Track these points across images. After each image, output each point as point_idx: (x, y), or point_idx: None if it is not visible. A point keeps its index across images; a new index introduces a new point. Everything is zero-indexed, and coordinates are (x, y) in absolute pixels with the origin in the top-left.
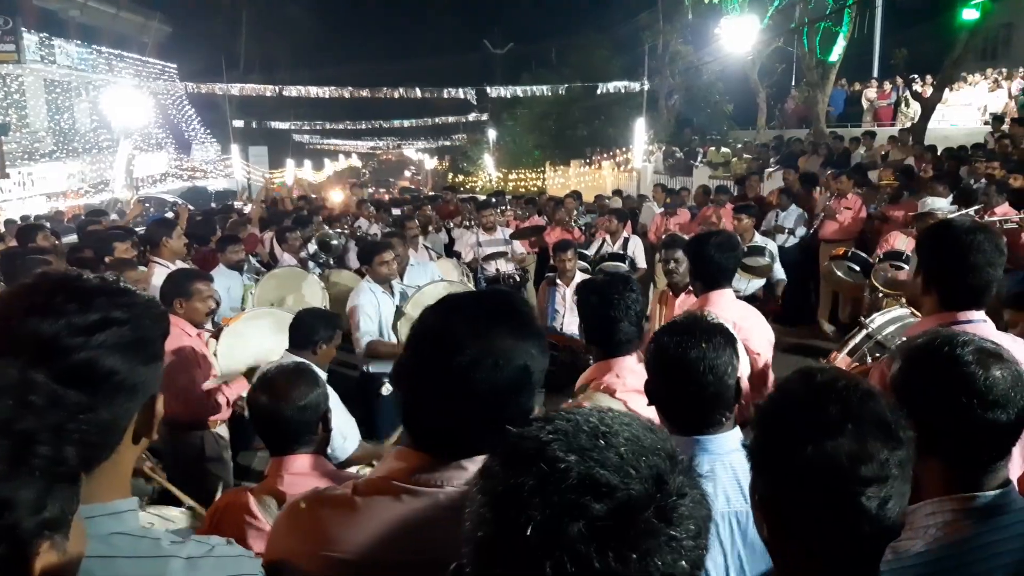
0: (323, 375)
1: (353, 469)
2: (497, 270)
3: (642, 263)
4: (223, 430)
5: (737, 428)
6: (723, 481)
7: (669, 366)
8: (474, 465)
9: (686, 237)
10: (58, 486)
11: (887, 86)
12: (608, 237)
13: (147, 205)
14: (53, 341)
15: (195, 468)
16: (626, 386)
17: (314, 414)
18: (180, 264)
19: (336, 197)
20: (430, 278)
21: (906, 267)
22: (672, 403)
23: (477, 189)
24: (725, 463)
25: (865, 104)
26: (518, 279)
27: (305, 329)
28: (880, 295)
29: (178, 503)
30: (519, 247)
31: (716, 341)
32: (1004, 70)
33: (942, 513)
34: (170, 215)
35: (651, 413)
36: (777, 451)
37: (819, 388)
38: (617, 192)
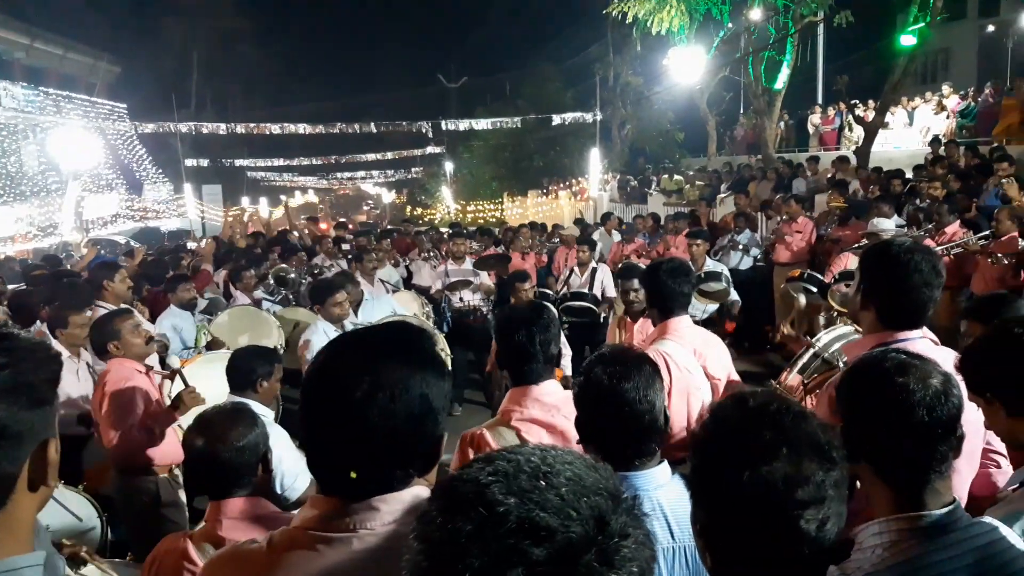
0: (270, 413)
1: None
2: (461, 299)
3: (612, 291)
4: (178, 475)
5: (665, 463)
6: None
7: (603, 399)
8: (386, 504)
9: (642, 265)
10: None
11: (831, 111)
12: (576, 268)
13: (100, 249)
14: None
15: (150, 514)
16: (523, 415)
17: (252, 455)
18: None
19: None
20: (385, 312)
21: None
22: (605, 437)
23: (436, 221)
24: (652, 499)
25: (811, 129)
26: (486, 311)
27: (243, 370)
28: (835, 314)
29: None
30: (486, 278)
31: (646, 371)
32: (945, 88)
33: (888, 533)
34: (123, 259)
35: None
36: (714, 478)
37: (752, 413)
38: (579, 220)
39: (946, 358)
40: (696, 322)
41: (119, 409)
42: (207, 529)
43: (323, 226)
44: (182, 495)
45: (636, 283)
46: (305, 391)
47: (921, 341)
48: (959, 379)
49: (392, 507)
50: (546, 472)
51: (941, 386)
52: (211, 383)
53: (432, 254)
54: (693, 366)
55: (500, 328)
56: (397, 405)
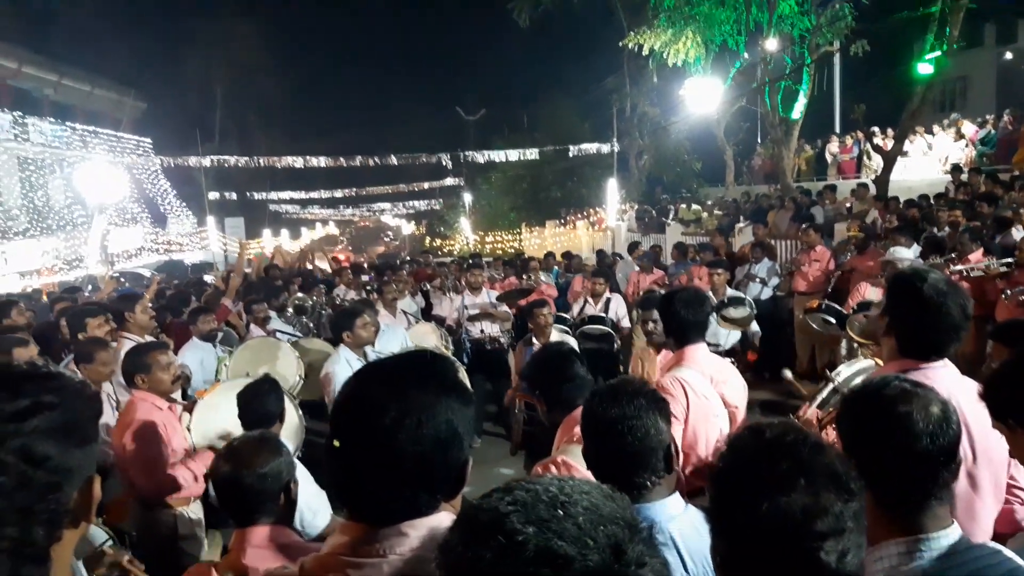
0: (290, 443)
1: None
2: (482, 331)
3: (626, 322)
4: (197, 508)
5: (676, 494)
6: None
7: (592, 426)
8: (414, 530)
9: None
10: (25, 567)
11: (848, 140)
12: (591, 298)
13: (122, 280)
14: None
15: (168, 547)
16: None
17: (275, 483)
18: (149, 338)
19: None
20: (400, 343)
21: None
22: (598, 465)
23: (455, 252)
24: (665, 531)
25: (829, 158)
26: (504, 342)
27: (260, 412)
28: (856, 345)
29: None
30: (505, 308)
31: (637, 403)
32: (954, 115)
33: (888, 557)
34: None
35: None
36: (732, 509)
37: (769, 443)
38: (600, 252)
39: (970, 389)
40: (720, 352)
41: (148, 448)
42: (231, 558)
43: (342, 257)
44: (200, 531)
45: (656, 314)
46: (334, 418)
47: (943, 370)
48: (983, 406)
49: (420, 532)
50: (564, 501)
51: (942, 413)
52: (228, 411)
53: (451, 286)
54: (710, 393)
55: (543, 367)
56: (424, 430)
